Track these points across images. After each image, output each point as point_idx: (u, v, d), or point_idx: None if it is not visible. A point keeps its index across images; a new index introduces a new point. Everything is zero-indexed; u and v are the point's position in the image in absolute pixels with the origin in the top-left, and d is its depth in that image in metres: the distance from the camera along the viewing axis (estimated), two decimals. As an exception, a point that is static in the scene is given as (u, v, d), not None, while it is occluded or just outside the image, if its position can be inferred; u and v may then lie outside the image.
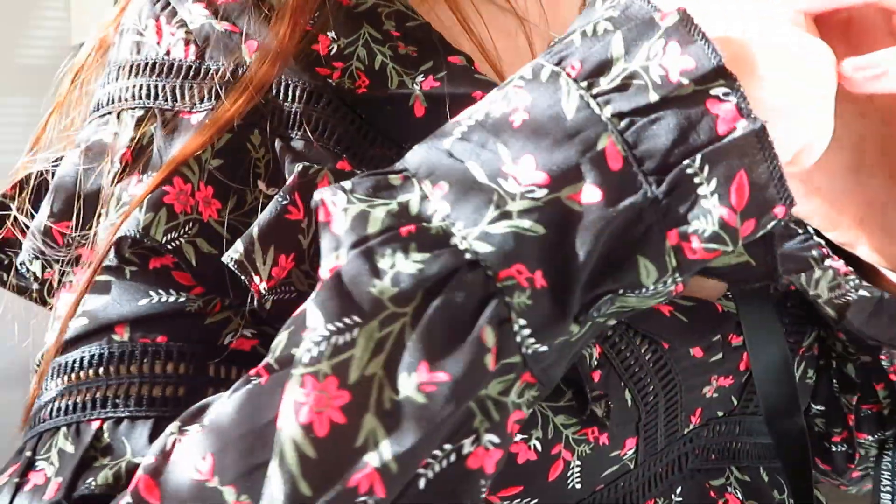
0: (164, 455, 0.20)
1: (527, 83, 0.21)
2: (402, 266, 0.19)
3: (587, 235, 0.19)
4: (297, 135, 0.27)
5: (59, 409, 0.28)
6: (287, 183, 0.25)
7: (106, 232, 0.27)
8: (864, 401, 0.35)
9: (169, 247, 0.25)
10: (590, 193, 0.19)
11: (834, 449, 0.39)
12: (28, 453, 0.28)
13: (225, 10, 0.28)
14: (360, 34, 0.28)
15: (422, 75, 0.28)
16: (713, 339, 0.29)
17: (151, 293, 0.26)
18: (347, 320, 0.18)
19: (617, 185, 0.19)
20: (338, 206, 0.19)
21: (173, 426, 0.22)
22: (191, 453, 0.20)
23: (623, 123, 0.19)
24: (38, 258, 0.31)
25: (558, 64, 0.21)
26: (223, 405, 0.20)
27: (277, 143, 0.27)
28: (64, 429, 0.28)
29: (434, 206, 0.20)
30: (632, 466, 0.28)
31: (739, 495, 0.29)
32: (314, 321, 0.19)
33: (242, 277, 0.24)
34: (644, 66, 0.19)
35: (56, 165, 0.32)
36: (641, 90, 0.19)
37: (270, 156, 0.27)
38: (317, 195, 0.20)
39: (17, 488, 0.26)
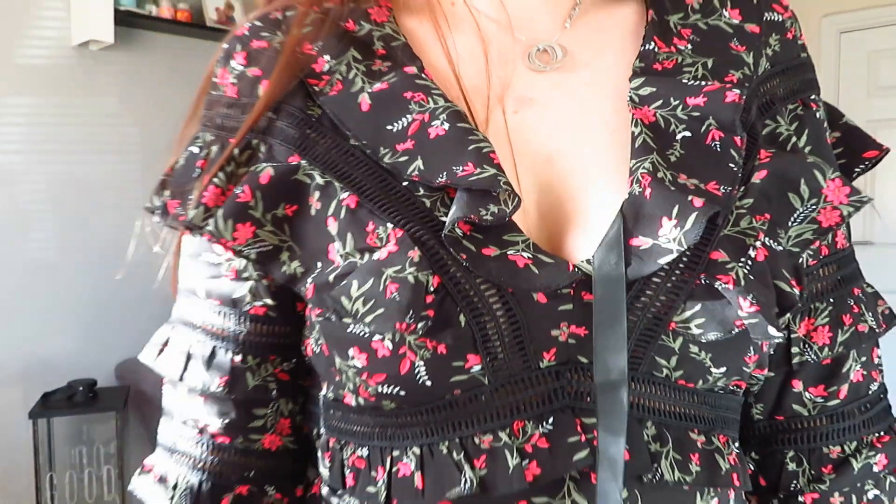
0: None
1: None
2: None
3: None
4: (271, 141, 0.39)
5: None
6: (244, 178, 0.38)
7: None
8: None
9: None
10: None
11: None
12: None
13: (255, 57, 0.40)
14: (346, 56, 0.39)
15: (379, 82, 0.38)
16: (561, 291, 0.34)
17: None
18: None
19: None
20: None
21: None
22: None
23: None
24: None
25: None
26: None
27: (257, 144, 0.39)
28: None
29: None
30: (485, 382, 0.34)
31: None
32: None
33: (217, 241, 0.37)
34: None
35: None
36: None
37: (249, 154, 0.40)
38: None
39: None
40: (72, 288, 2.25)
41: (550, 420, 0.34)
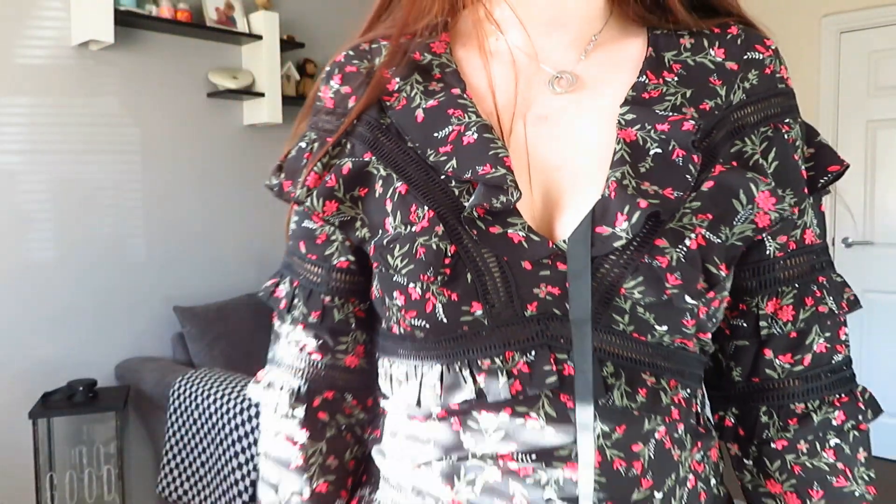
0: None
1: None
2: None
3: None
4: (353, 141, 0.52)
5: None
6: (333, 168, 0.52)
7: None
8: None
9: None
10: None
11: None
12: None
13: (347, 79, 0.54)
14: (411, 79, 0.52)
15: (432, 99, 0.51)
16: (542, 261, 0.46)
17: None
18: None
19: None
20: None
21: None
22: None
23: None
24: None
25: None
26: None
27: (345, 143, 0.53)
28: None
29: None
30: (485, 323, 0.47)
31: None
32: None
33: (312, 213, 0.52)
34: None
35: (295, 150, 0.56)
36: None
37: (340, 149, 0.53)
38: None
39: None
40: (71, 288, 2.25)
41: (532, 353, 0.46)
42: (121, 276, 2.37)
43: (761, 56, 0.53)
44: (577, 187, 0.48)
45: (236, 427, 1.82)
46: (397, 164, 0.50)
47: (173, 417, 2.04)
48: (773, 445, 0.53)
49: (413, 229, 0.47)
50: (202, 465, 1.97)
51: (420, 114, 0.51)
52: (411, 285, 0.47)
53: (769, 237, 0.50)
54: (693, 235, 0.46)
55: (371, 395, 0.58)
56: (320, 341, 0.55)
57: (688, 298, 0.44)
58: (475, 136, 0.48)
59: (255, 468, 1.77)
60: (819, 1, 3.18)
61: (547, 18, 0.52)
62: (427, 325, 0.47)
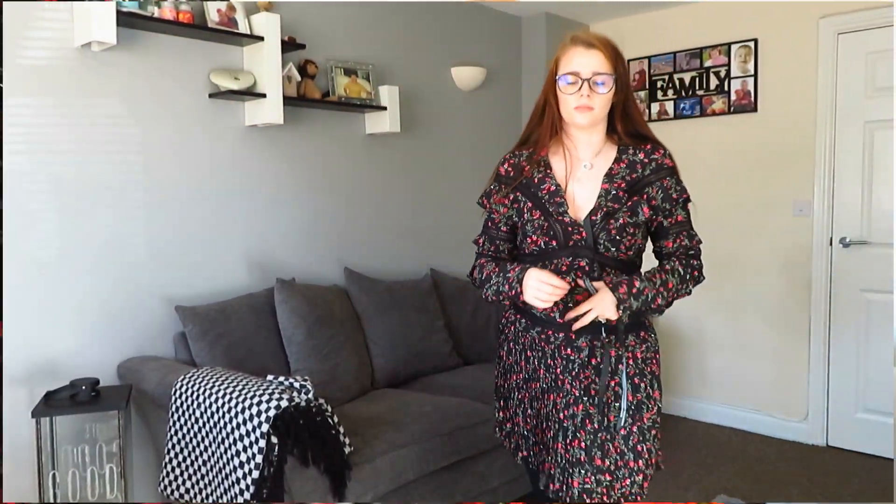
0: None
1: None
2: None
3: None
4: (513, 190, 1.58)
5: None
6: (503, 199, 1.60)
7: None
8: None
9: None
10: None
11: None
12: None
13: (511, 164, 1.59)
14: (534, 166, 1.55)
15: (539, 174, 1.55)
16: (575, 227, 1.49)
17: None
18: None
19: None
20: None
21: None
22: None
23: None
24: None
25: None
26: None
27: (509, 190, 1.59)
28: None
29: None
30: (557, 247, 1.49)
31: (585, 262, 1.47)
32: None
33: (493, 213, 1.62)
34: None
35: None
36: None
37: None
38: None
39: None
40: (74, 288, 2.27)
41: (570, 258, 1.47)
42: (123, 276, 2.38)
43: (657, 156, 1.52)
44: (587, 207, 1.49)
45: (237, 426, 1.83)
46: (527, 196, 1.53)
47: (175, 416, 2.05)
48: (663, 262, 1.54)
49: (533, 217, 1.50)
50: (204, 463, 1.98)
51: (536, 179, 1.53)
52: (533, 235, 1.50)
53: (664, 218, 1.51)
54: (621, 218, 1.46)
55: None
56: (497, 254, 1.60)
57: (619, 239, 1.46)
58: (553, 187, 1.50)
59: (257, 466, 1.78)
60: (817, 2, 3.20)
61: (582, 145, 1.54)
62: (536, 250, 1.50)
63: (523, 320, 1.54)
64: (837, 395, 3.26)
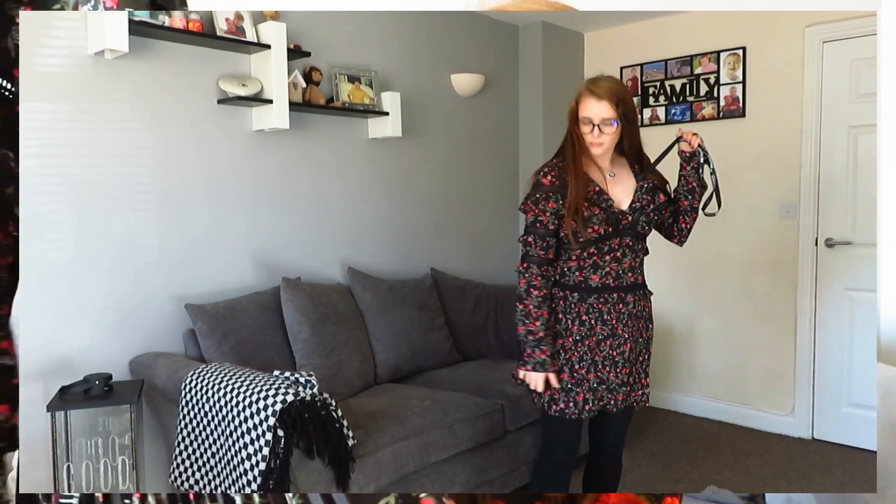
0: None
1: None
2: None
3: None
4: (555, 195, 1.88)
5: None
6: (548, 204, 1.89)
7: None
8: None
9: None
10: None
11: None
12: None
13: (554, 175, 1.87)
14: (572, 177, 1.87)
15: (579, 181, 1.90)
16: (619, 214, 1.90)
17: None
18: None
19: None
20: None
21: None
22: None
23: None
24: None
25: None
26: None
27: (551, 196, 1.89)
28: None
29: None
30: (611, 231, 1.87)
31: (628, 240, 1.91)
32: None
33: (540, 215, 1.88)
34: None
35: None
36: None
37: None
38: None
39: None
40: (87, 287, 2.32)
41: (618, 239, 1.88)
42: (134, 275, 2.43)
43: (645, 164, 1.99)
44: (625, 200, 1.91)
45: (245, 420, 1.86)
46: (566, 197, 1.84)
47: (185, 410, 2.09)
48: (680, 214, 2.05)
49: (594, 213, 1.84)
50: (213, 455, 2.01)
51: (582, 185, 1.86)
52: (596, 225, 1.84)
53: (675, 204, 2.03)
54: (651, 204, 1.94)
55: (555, 266, 1.91)
56: (545, 258, 1.87)
57: (653, 218, 1.96)
58: (598, 189, 1.87)
59: (263, 458, 1.82)
60: (803, 12, 3.26)
61: (603, 160, 1.92)
62: (596, 236, 1.85)
63: (576, 294, 1.90)
64: (823, 390, 3.33)
